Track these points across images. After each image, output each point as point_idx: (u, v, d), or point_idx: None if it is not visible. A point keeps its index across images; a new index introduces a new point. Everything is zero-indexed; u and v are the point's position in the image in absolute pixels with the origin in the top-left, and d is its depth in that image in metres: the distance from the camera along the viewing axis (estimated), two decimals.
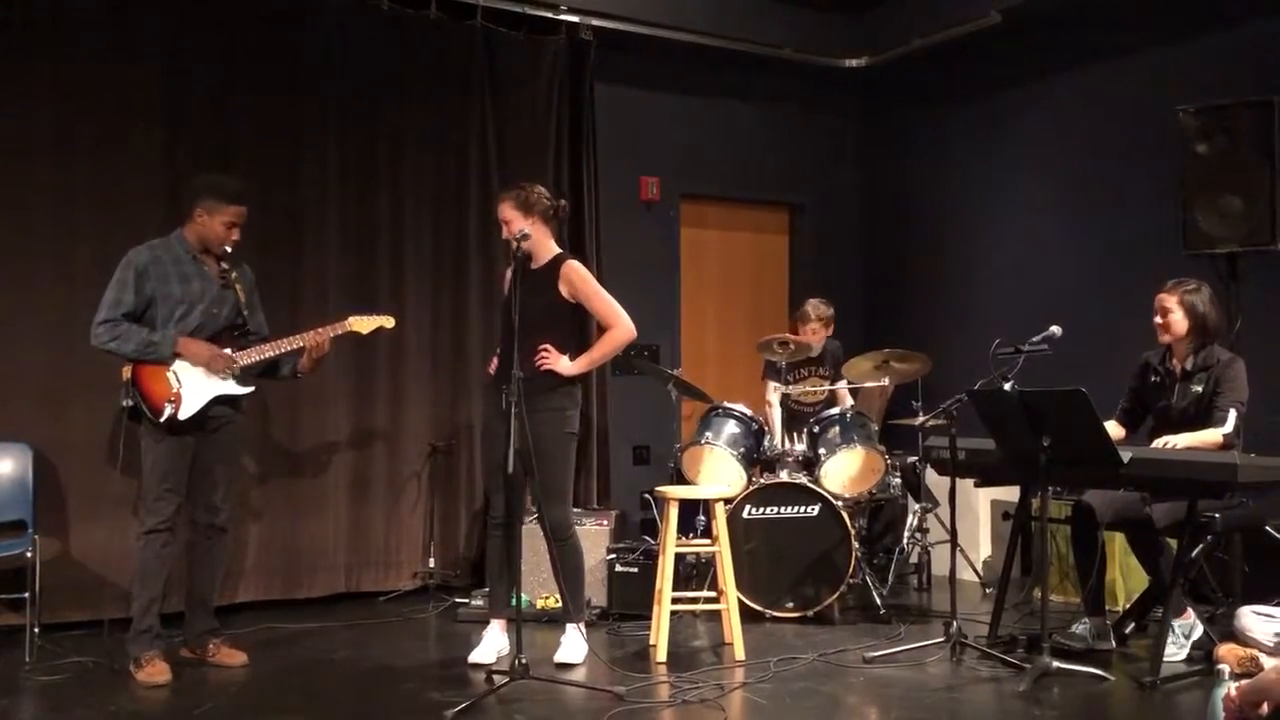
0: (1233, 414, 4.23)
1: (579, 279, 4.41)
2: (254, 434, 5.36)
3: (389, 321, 4.69)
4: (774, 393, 5.94)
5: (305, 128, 5.64)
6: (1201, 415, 4.34)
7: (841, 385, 5.98)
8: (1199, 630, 4.38)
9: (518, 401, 3.96)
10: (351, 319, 4.58)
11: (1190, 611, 4.40)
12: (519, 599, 4.15)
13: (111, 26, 5.17)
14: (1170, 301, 4.43)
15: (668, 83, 6.93)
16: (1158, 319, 4.48)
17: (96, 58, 5.14)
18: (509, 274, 4.50)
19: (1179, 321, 4.42)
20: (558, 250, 4.50)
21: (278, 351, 4.40)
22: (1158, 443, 4.26)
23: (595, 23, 6.39)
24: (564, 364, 4.34)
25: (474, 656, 4.41)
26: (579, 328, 4.47)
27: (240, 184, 4.42)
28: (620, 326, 4.40)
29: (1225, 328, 4.58)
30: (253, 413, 5.01)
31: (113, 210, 5.09)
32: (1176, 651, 4.30)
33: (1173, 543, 4.40)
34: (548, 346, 4.32)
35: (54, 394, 4.97)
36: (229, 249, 4.35)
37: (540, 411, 4.25)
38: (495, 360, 4.54)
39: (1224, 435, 4.21)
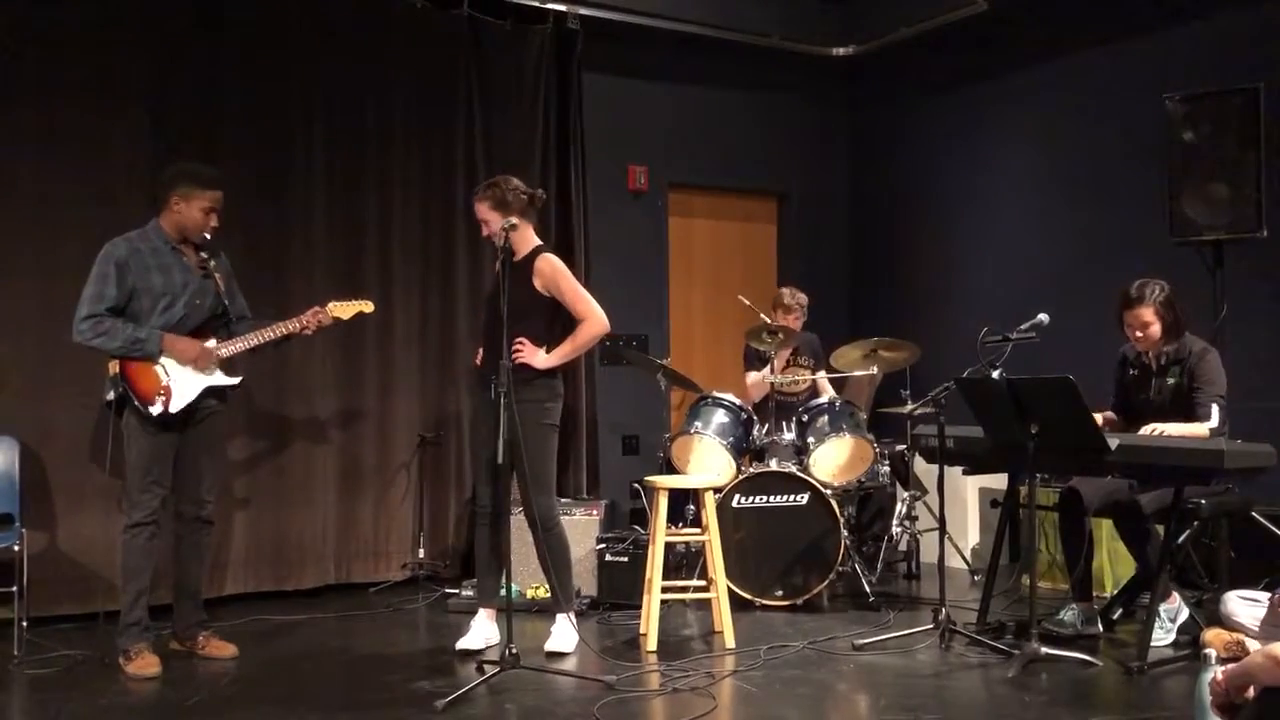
0: (1215, 409, 4.25)
1: (552, 272, 4.40)
2: (242, 426, 5.36)
3: (368, 306, 4.68)
4: (754, 381, 5.94)
5: (292, 118, 5.61)
6: (1180, 407, 4.35)
7: (821, 376, 6.00)
8: (1184, 614, 4.42)
9: (507, 392, 3.96)
10: (332, 304, 4.56)
11: (1176, 596, 4.43)
12: (509, 589, 4.15)
13: (96, 18, 5.14)
14: (1148, 314, 4.38)
15: (655, 72, 6.92)
16: (1137, 334, 4.44)
17: (81, 49, 5.11)
18: (498, 265, 4.50)
19: (1156, 330, 4.41)
20: (537, 243, 4.50)
21: (262, 340, 4.38)
22: (1146, 429, 4.28)
23: (582, 11, 6.38)
24: (539, 357, 4.35)
25: (462, 643, 4.42)
26: (559, 320, 4.45)
27: (215, 170, 4.39)
28: (592, 320, 4.40)
29: (1189, 314, 4.56)
30: (240, 404, 5.00)
31: (97, 203, 5.06)
32: (1163, 636, 4.33)
33: (1160, 528, 4.42)
34: (522, 340, 4.32)
35: (39, 387, 4.95)
36: (208, 236, 4.32)
37: (518, 403, 4.25)
38: (480, 352, 4.55)
39: (1210, 430, 4.22)
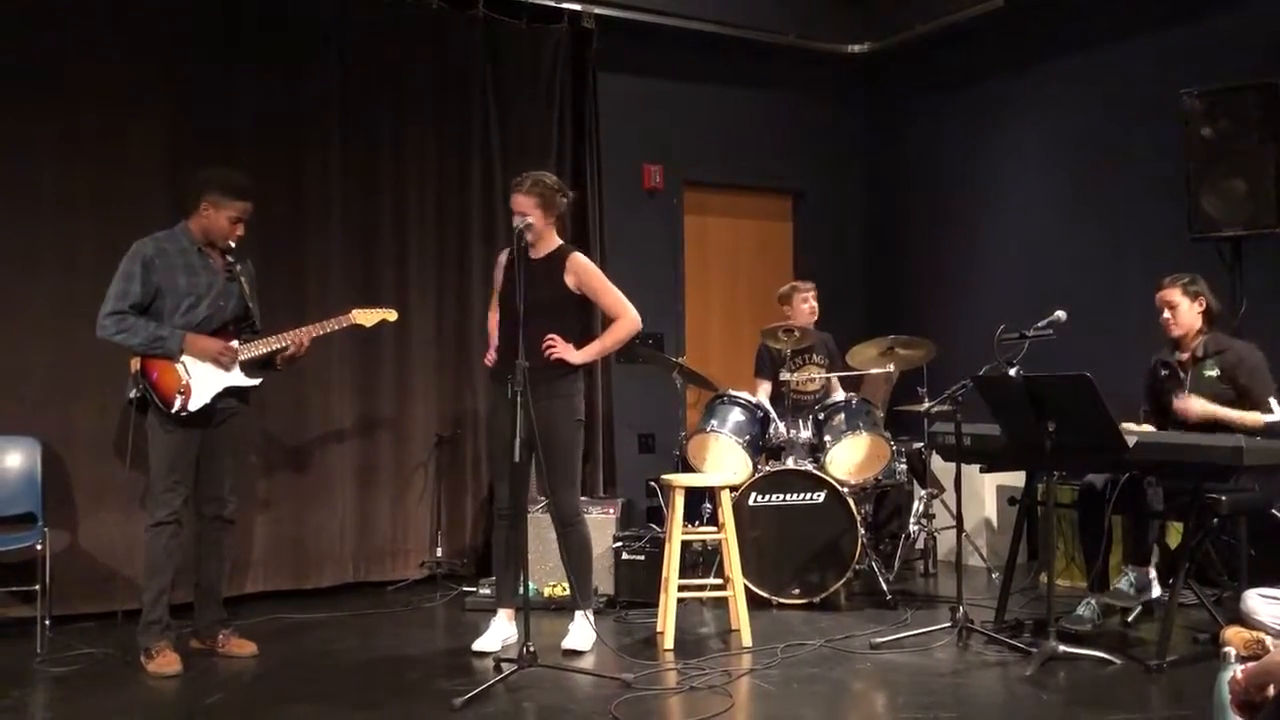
0: (1274, 402, 4.25)
1: (587, 271, 4.46)
2: (261, 426, 5.38)
3: (391, 314, 4.71)
4: (763, 391, 5.93)
5: (308, 120, 5.64)
6: (1220, 401, 4.33)
7: (835, 375, 5.98)
8: (1155, 591, 4.49)
9: (523, 390, 3.97)
10: (355, 312, 4.59)
11: (1152, 570, 4.49)
12: (526, 587, 4.17)
13: (114, 22, 5.18)
14: (1174, 295, 4.44)
15: (670, 70, 6.92)
16: (1165, 315, 4.48)
17: (99, 52, 5.14)
18: (502, 260, 4.51)
19: (1187, 313, 4.43)
20: (560, 241, 4.52)
21: (283, 344, 4.41)
22: (1180, 403, 4.30)
23: (597, 11, 6.39)
24: (573, 353, 4.37)
25: (478, 644, 4.43)
26: (583, 317, 4.50)
27: (247, 179, 4.40)
28: (627, 318, 4.46)
29: (1224, 312, 4.58)
30: (259, 405, 5.03)
31: (116, 204, 5.10)
32: (1125, 589, 4.45)
33: (1178, 527, 4.41)
34: (554, 336, 4.33)
35: (61, 387, 5.00)
36: (233, 244, 4.35)
37: (550, 399, 4.30)
38: (492, 351, 4.55)
39: (1267, 422, 4.20)
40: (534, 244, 4.42)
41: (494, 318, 4.59)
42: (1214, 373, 4.39)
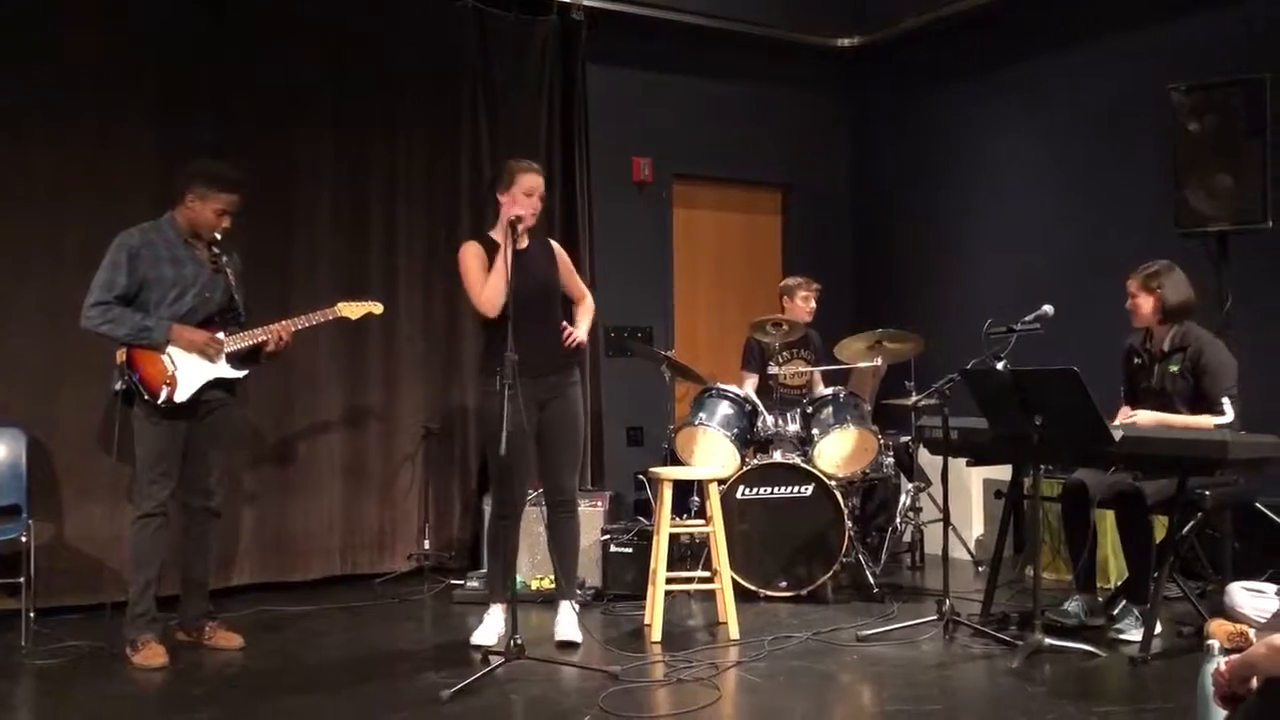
0: (1227, 403, 4.25)
1: (566, 257, 4.56)
2: (248, 418, 5.36)
3: (377, 307, 4.70)
4: (749, 384, 5.93)
5: (296, 111, 5.62)
6: (1181, 395, 4.35)
7: (818, 370, 5.99)
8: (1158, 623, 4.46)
9: (512, 384, 3.93)
10: (340, 304, 4.58)
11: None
12: (514, 580, 4.16)
13: (106, 18, 5.15)
14: (1133, 287, 4.47)
15: (660, 63, 6.92)
16: (1128, 305, 4.52)
17: (89, 48, 5.11)
18: (471, 250, 4.30)
19: (1142, 305, 4.45)
20: None
21: (269, 335, 4.38)
22: (1122, 416, 4.30)
23: (587, 3, 6.38)
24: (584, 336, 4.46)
25: (475, 638, 4.42)
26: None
27: (235, 172, 4.37)
28: (590, 298, 4.62)
29: (1197, 305, 4.55)
30: (246, 397, 5.01)
31: (103, 195, 5.07)
32: (1133, 624, 4.37)
33: (1162, 520, 4.42)
34: (565, 323, 4.38)
35: (46, 379, 4.97)
36: (218, 235, 4.33)
37: (570, 386, 4.40)
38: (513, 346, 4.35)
39: (1216, 425, 4.19)
40: (525, 235, 4.40)
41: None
42: (1176, 368, 4.41)
